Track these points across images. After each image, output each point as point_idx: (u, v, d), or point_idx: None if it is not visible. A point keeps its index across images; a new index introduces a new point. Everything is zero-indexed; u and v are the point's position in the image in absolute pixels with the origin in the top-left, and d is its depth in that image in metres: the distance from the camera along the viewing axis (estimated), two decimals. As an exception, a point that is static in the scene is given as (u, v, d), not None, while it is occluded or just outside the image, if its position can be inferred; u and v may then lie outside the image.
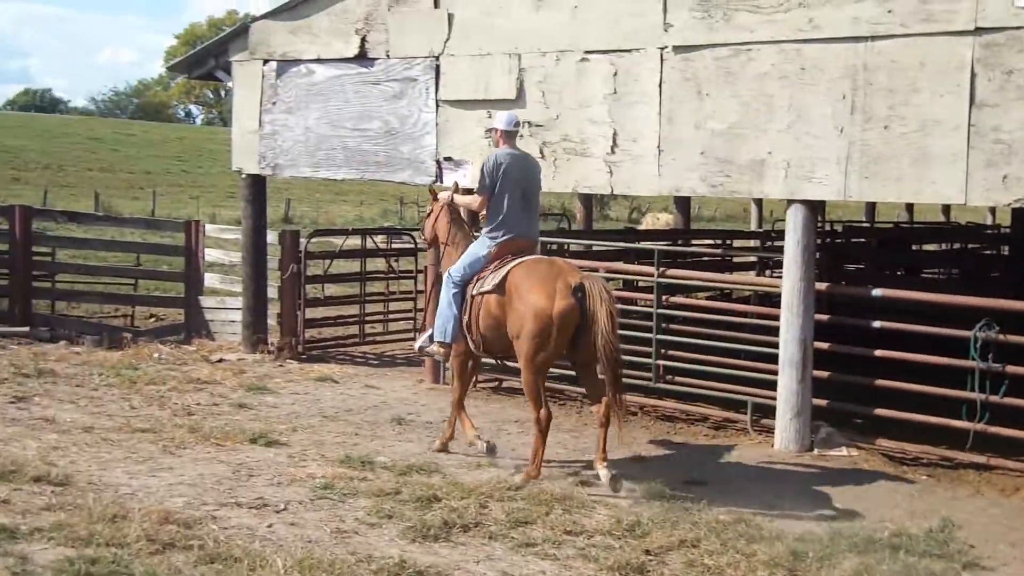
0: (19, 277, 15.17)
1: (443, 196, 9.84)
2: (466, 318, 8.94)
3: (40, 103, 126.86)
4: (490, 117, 11.69)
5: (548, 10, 11.25)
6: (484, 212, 9.18)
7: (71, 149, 71.45)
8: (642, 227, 37.55)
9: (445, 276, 9.17)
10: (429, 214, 10.06)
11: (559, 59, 11.21)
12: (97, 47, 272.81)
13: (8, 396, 10.51)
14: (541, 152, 11.39)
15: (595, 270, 11.84)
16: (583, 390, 9.76)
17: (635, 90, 10.69)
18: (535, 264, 8.69)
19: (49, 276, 16.96)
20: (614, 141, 10.89)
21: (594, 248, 14.69)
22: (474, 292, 8.86)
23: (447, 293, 9.04)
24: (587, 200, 19.65)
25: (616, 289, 12.92)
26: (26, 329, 14.62)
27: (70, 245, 19.49)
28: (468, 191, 10.20)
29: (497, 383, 12.49)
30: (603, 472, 8.34)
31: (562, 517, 7.50)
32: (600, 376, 8.58)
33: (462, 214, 9.91)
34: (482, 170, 9.19)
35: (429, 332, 9.44)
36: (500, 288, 8.63)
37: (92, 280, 18.36)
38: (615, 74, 10.81)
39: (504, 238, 8.99)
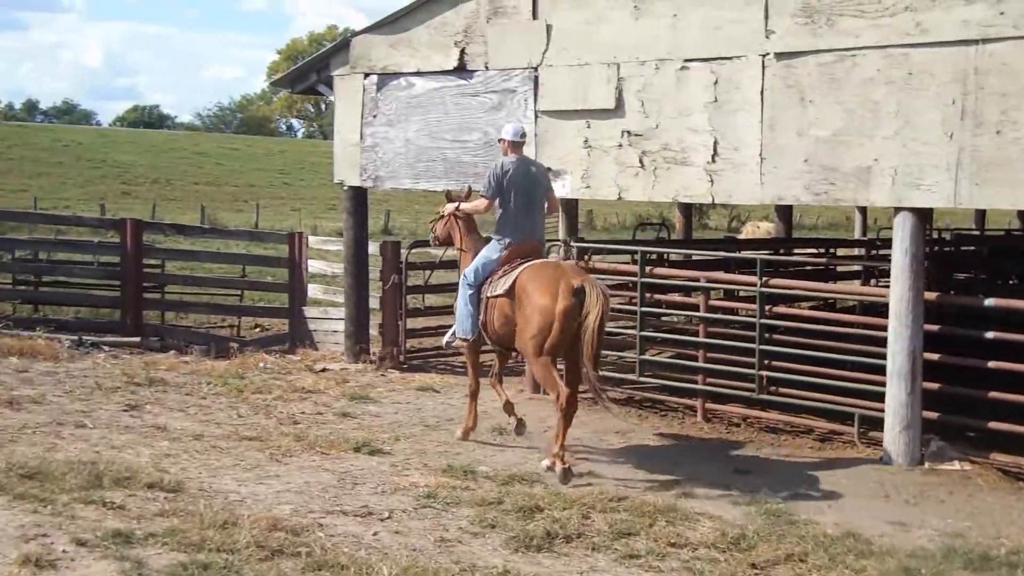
0: (131, 288, 15.57)
1: (450, 205, 10.52)
2: (483, 317, 9.70)
3: (148, 119, 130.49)
4: (589, 127, 11.71)
5: (647, 19, 11.20)
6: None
7: (178, 163, 73.32)
8: (742, 236, 37.23)
9: (461, 278, 9.92)
10: (440, 217, 10.78)
11: (658, 68, 11.14)
12: (202, 64, 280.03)
13: (121, 404, 10.80)
14: (640, 161, 11.34)
15: (696, 280, 11.77)
16: (682, 400, 10.98)
17: (736, 98, 10.58)
18: (542, 267, 9.37)
19: (159, 287, 17.42)
20: (715, 150, 10.79)
21: (694, 258, 14.57)
22: (488, 295, 9.60)
23: (464, 294, 9.83)
24: (686, 209, 19.49)
25: (716, 299, 12.79)
26: (137, 339, 15.01)
27: (178, 257, 19.97)
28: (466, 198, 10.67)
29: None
30: (556, 464, 8.88)
31: (666, 529, 7.43)
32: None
33: (474, 220, 10.52)
34: (488, 176, 9.92)
35: (454, 328, 10.14)
36: (510, 291, 9.35)
37: (199, 291, 18.80)
38: (715, 82, 10.72)
39: (512, 242, 9.71)
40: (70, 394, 11.10)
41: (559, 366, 9.40)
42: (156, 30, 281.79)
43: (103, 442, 9.04)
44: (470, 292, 9.77)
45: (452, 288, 15.73)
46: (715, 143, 10.78)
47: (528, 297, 9.13)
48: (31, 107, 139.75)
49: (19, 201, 48.56)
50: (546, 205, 10.16)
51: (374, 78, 13.76)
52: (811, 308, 13.93)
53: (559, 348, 9.12)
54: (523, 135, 10.12)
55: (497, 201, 9.80)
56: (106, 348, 14.45)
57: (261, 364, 13.86)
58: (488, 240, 10.06)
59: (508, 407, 10.44)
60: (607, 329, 9.42)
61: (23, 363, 12.54)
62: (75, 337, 14.62)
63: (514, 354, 10.54)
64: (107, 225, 18.80)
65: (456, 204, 10.42)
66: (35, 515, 6.45)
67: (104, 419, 10.03)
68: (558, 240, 13.00)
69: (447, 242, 10.87)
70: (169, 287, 17.86)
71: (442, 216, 10.79)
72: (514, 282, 9.32)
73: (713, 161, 10.81)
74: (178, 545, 6.18)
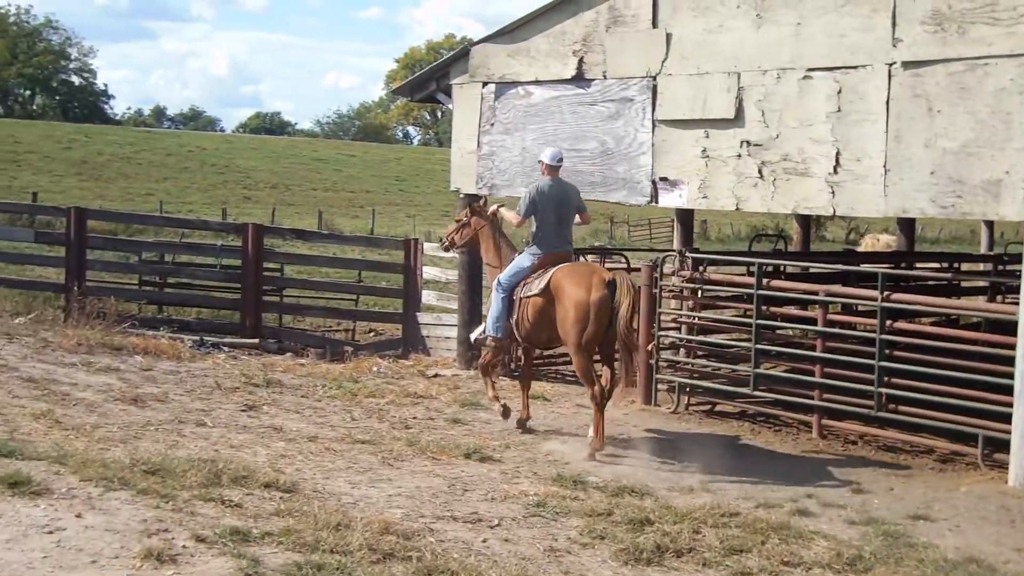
0: (251, 291, 15.92)
1: (490, 208, 11.30)
2: (515, 317, 10.51)
3: (270, 126, 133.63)
4: (707, 137, 11.58)
5: (770, 27, 11.04)
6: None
7: (297, 170, 74.91)
8: (861, 248, 36.44)
9: (495, 283, 10.73)
10: (463, 225, 11.54)
11: (780, 77, 10.97)
12: (322, 72, 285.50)
13: (239, 404, 11.03)
14: (759, 172, 11.17)
15: (814, 293, 11.54)
16: (797, 415, 11.29)
17: (860, 108, 10.35)
18: (574, 267, 10.41)
19: (277, 291, 17.77)
20: (837, 161, 10.57)
21: (811, 270, 14.29)
22: (521, 295, 10.42)
23: (497, 298, 10.67)
24: (804, 220, 19.16)
25: (835, 313, 12.51)
26: (255, 341, 15.34)
27: (297, 261, 20.35)
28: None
29: (710, 407, 12.30)
30: (594, 454, 9.82)
31: (779, 547, 7.28)
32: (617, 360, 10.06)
33: (503, 229, 11.41)
34: (526, 195, 10.71)
35: (483, 327, 11.00)
36: (545, 290, 10.17)
37: (316, 295, 19.13)
38: (839, 91, 10.51)
39: (543, 253, 10.54)
40: (191, 393, 11.38)
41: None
42: (279, 39, 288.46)
43: (222, 441, 9.24)
44: (503, 295, 10.58)
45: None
46: (837, 154, 10.56)
47: (564, 292, 9.98)
48: (159, 113, 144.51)
49: (145, 204, 50.21)
50: (577, 218, 10.98)
51: (492, 87, 13.84)
52: (933, 324, 13.52)
53: (596, 338, 10.01)
54: (560, 159, 10.83)
55: (532, 218, 10.65)
56: (226, 349, 14.79)
57: (375, 368, 14.03)
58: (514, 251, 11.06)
59: (506, 411, 11.04)
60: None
61: (147, 361, 12.90)
62: (197, 337, 15.01)
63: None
64: (229, 229, 19.27)
65: (494, 208, 11.23)
66: (157, 510, 6.60)
67: (223, 418, 10.26)
68: (672, 250, 12.89)
69: (466, 248, 11.89)
70: (287, 290, 18.21)
71: (464, 224, 11.54)
72: (549, 282, 10.16)
73: (835, 172, 10.59)
74: (293, 545, 6.26)
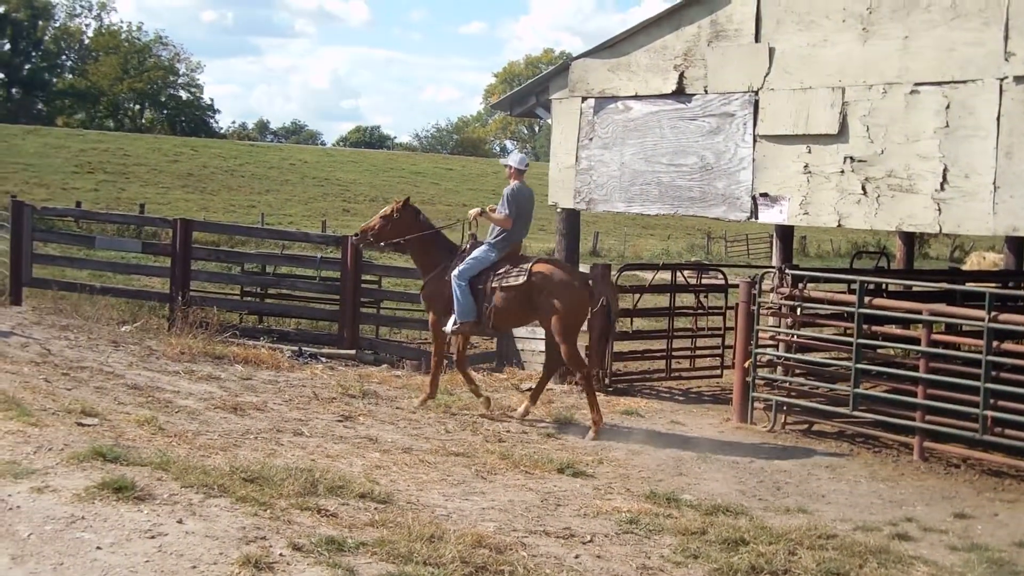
0: (349, 303, 16.11)
1: (473, 211, 12.00)
2: (489, 307, 11.47)
3: (369, 140, 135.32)
4: (809, 152, 11.42)
5: (876, 41, 10.85)
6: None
7: (396, 183, 75.76)
8: (966, 267, 35.50)
9: (454, 276, 11.56)
10: (385, 219, 12.21)
11: (886, 91, 10.77)
12: (421, 86, 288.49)
13: (336, 415, 11.15)
14: (863, 188, 10.97)
15: (917, 312, 11.27)
16: (897, 437, 11.23)
17: (969, 123, 10.11)
18: (554, 264, 11.85)
19: (375, 302, 17.95)
20: (944, 177, 10.33)
21: (915, 289, 13.97)
22: (497, 285, 11.42)
23: (460, 288, 11.53)
24: (907, 238, 18.74)
25: (938, 332, 12.20)
26: (353, 352, 15.52)
27: (394, 274, 20.51)
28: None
29: (808, 426, 12.08)
30: (595, 432, 11.18)
31: (877, 571, 7.10)
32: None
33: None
34: (506, 197, 11.69)
35: (454, 317, 11.66)
36: (528, 282, 11.28)
37: (413, 307, 19.27)
38: (948, 106, 10.27)
39: (507, 247, 11.65)
40: (289, 402, 11.54)
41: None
42: (379, 54, 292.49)
43: (319, 451, 9.35)
44: (465, 285, 11.53)
45: (661, 312, 15.69)
46: (945, 170, 10.32)
47: (555, 287, 11.24)
48: (262, 127, 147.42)
49: (248, 216, 51.25)
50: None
51: (591, 101, 13.83)
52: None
53: (579, 329, 11.54)
54: (527, 164, 11.90)
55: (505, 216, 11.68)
56: (323, 359, 15.00)
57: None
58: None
59: (476, 391, 12.19)
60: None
61: (247, 371, 13.14)
62: (295, 348, 15.25)
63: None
64: (329, 241, 19.54)
65: (480, 209, 11.96)
66: (255, 518, 6.70)
67: (320, 428, 10.39)
68: (771, 267, 12.71)
69: (385, 242, 12.34)
70: (384, 302, 18.38)
71: (389, 220, 12.16)
72: (530, 274, 11.28)
73: (942, 189, 10.35)
74: (387, 556, 6.29)
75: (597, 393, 13.46)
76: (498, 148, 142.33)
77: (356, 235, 12.03)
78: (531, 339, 15.76)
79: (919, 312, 11.26)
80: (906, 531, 8.23)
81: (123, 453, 7.80)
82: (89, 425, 8.88)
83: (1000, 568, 7.36)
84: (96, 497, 6.73)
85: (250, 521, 6.62)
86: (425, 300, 12.32)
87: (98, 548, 5.93)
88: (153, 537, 6.17)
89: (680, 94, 12.85)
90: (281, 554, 6.09)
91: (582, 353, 11.80)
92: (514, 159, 11.99)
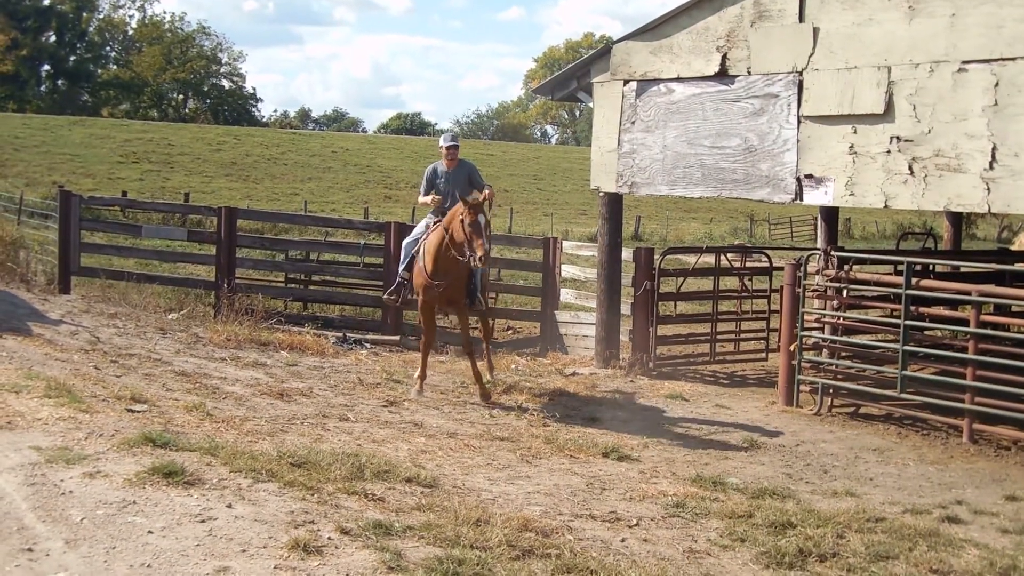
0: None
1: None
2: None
3: (410, 126, 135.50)
4: (855, 133, 11.29)
5: (923, 19, 10.70)
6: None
7: (437, 169, 75.77)
8: (1015, 247, 35.03)
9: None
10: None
11: (933, 70, 10.62)
12: (461, 73, 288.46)
13: (381, 400, 11.21)
14: (910, 168, 10.83)
15: (966, 293, 11.14)
16: (946, 419, 10.92)
17: (1019, 101, 9.95)
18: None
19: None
20: (993, 156, 10.18)
21: (963, 270, 13.80)
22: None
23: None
24: (955, 218, 18.51)
25: (987, 313, 12.06)
26: (396, 338, 15.58)
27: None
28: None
29: (855, 409, 11.99)
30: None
31: (927, 554, 7.03)
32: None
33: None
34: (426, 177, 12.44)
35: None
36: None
37: (455, 292, 19.28)
38: (996, 84, 10.12)
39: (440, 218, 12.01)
40: (334, 388, 11.62)
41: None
42: (419, 41, 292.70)
43: (364, 435, 9.41)
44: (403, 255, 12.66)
45: (705, 295, 15.62)
46: (993, 149, 10.17)
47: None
48: (304, 115, 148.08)
49: (290, 204, 51.55)
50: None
51: (633, 84, 13.76)
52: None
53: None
54: (454, 138, 12.52)
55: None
56: (367, 345, 15.08)
57: (512, 366, 14.10)
58: None
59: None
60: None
61: (293, 357, 13.24)
62: (339, 334, 15.35)
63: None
64: (372, 228, 19.61)
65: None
66: (303, 502, 6.76)
67: (365, 413, 10.45)
68: (816, 249, 12.61)
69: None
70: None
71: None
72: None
73: (991, 168, 10.20)
74: (434, 539, 6.33)
75: (641, 378, 13.48)
76: (539, 133, 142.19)
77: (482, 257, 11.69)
78: (575, 324, 15.75)
79: (968, 293, 11.12)
80: (956, 514, 8.15)
81: (172, 439, 7.89)
82: (138, 411, 8.99)
83: (1053, 550, 7.27)
84: (147, 482, 6.81)
85: (298, 505, 6.68)
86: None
87: (149, 532, 6.00)
88: (203, 521, 6.24)
89: (723, 76, 12.75)
90: (329, 538, 6.14)
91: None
92: (443, 139, 12.64)
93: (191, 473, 7.04)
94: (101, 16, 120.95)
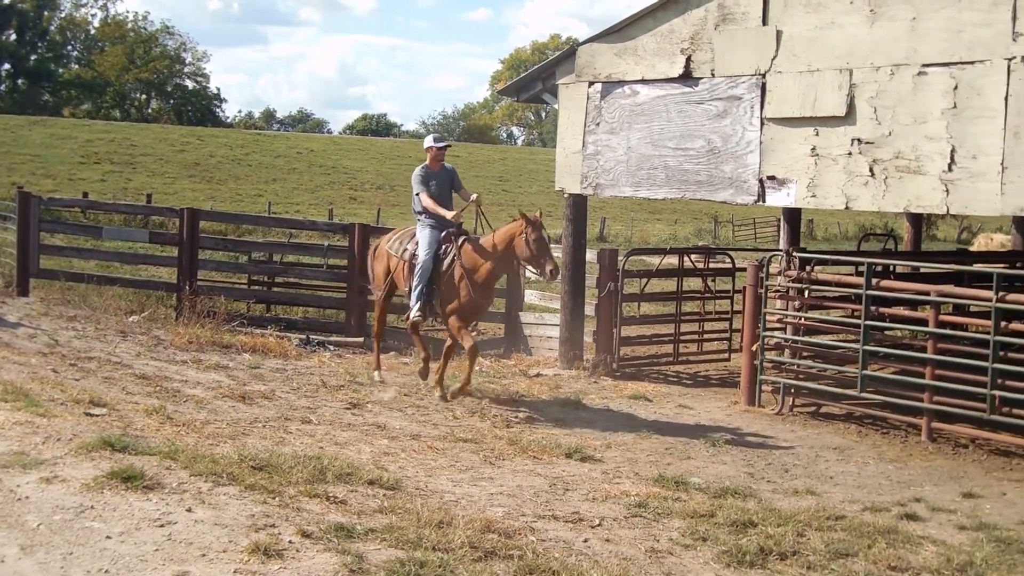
0: (356, 290, 16.09)
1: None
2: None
3: (376, 127, 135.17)
4: (817, 135, 11.37)
5: (884, 22, 10.80)
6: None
7: (402, 171, 75.57)
8: (974, 248, 35.44)
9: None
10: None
11: (894, 73, 10.72)
12: (428, 74, 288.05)
13: (344, 402, 11.17)
14: (871, 170, 10.93)
15: (925, 293, 11.25)
16: (905, 418, 10.92)
17: (977, 104, 10.06)
18: None
19: (383, 289, 17.89)
20: (952, 158, 10.29)
21: (922, 270, 13.93)
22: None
23: None
24: (915, 219, 18.69)
25: (946, 313, 12.18)
26: (360, 339, 15.53)
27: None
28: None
29: (816, 408, 12.08)
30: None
31: (886, 551, 7.09)
32: None
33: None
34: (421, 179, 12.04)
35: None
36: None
37: (420, 294, 19.23)
38: (955, 87, 10.23)
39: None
40: (297, 390, 11.56)
41: None
42: (385, 42, 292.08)
43: (327, 438, 9.36)
44: None
45: (669, 296, 15.67)
46: (952, 151, 10.28)
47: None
48: (268, 116, 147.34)
49: (254, 205, 51.29)
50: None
51: (598, 86, 13.79)
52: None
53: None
54: (439, 140, 12.33)
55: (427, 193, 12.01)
56: (331, 347, 15.01)
57: (477, 368, 14.07)
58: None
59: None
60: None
61: (255, 359, 13.16)
62: (303, 336, 15.27)
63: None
64: (336, 229, 19.53)
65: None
66: (264, 505, 6.72)
67: (328, 416, 10.40)
68: (779, 250, 12.68)
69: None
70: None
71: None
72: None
73: (950, 170, 10.31)
74: (396, 542, 6.30)
75: (604, 378, 13.51)
76: (505, 135, 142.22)
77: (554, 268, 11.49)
78: (539, 325, 15.77)
79: (927, 293, 11.23)
80: (914, 511, 8.23)
81: (132, 443, 7.81)
82: (97, 415, 8.90)
83: (1008, 547, 7.35)
84: (105, 487, 6.74)
85: (259, 509, 6.64)
86: None
87: (107, 537, 5.94)
88: (162, 526, 6.18)
89: (687, 78, 12.80)
90: (290, 541, 6.10)
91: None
92: (427, 140, 12.44)
93: (151, 477, 6.98)
94: (63, 15, 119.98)
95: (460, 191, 12.16)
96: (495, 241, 11.48)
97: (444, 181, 12.11)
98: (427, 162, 12.16)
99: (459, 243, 11.69)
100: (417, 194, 12.00)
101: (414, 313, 11.84)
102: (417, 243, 11.91)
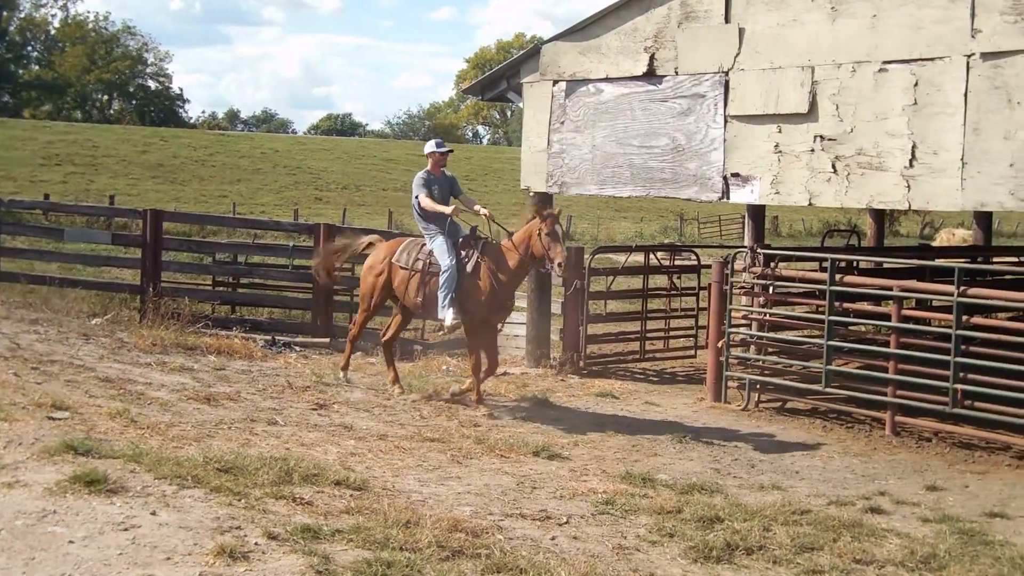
0: (322, 291, 16.01)
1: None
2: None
3: (341, 127, 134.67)
4: (780, 132, 11.43)
5: (845, 20, 10.87)
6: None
7: (368, 170, 75.47)
8: (936, 243, 35.77)
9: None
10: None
11: (855, 70, 10.80)
12: (393, 73, 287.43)
13: (311, 403, 11.12)
14: (833, 167, 11.01)
15: (888, 288, 11.34)
16: (870, 412, 11.09)
17: (937, 100, 10.16)
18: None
19: (348, 290, 17.87)
20: (913, 154, 10.39)
21: (885, 265, 14.04)
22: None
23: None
24: (878, 215, 18.82)
25: (909, 309, 12.30)
26: (327, 340, 15.46)
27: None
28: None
29: (781, 404, 12.16)
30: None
31: (851, 545, 7.16)
32: None
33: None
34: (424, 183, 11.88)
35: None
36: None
37: (386, 294, 19.17)
38: (916, 84, 10.32)
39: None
40: (263, 392, 11.49)
41: None
42: (350, 41, 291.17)
43: (293, 439, 9.31)
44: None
45: (634, 294, 15.71)
46: (913, 147, 10.38)
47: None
48: (232, 116, 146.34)
49: (219, 206, 50.97)
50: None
51: (563, 85, 13.81)
52: (1011, 319, 13.22)
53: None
54: (439, 144, 12.19)
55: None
56: (297, 348, 14.94)
57: (444, 367, 14.07)
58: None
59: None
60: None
61: (220, 361, 13.07)
62: (268, 337, 15.18)
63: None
64: (301, 230, 19.45)
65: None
66: (229, 508, 6.67)
67: (294, 417, 10.35)
68: (743, 247, 12.75)
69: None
70: (358, 289, 18.28)
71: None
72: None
73: (911, 166, 10.41)
74: (363, 542, 6.28)
75: (571, 376, 13.53)
76: (471, 134, 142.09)
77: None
78: (507, 324, 15.71)
79: (890, 288, 11.33)
80: (879, 504, 8.31)
81: (95, 446, 7.73)
82: (60, 419, 8.80)
83: (971, 539, 7.44)
84: (68, 491, 6.67)
85: (224, 511, 6.59)
86: None
87: (70, 542, 5.88)
88: (126, 529, 6.13)
89: (651, 76, 12.84)
90: (256, 543, 6.07)
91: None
92: (428, 145, 12.28)
93: (114, 481, 6.91)
94: (22, 15, 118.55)
95: (460, 197, 12.10)
96: (516, 242, 11.44)
97: (444, 187, 12.03)
98: (428, 167, 12.04)
99: (479, 247, 11.60)
100: (416, 196, 11.86)
101: (451, 318, 11.51)
102: (429, 253, 11.76)
